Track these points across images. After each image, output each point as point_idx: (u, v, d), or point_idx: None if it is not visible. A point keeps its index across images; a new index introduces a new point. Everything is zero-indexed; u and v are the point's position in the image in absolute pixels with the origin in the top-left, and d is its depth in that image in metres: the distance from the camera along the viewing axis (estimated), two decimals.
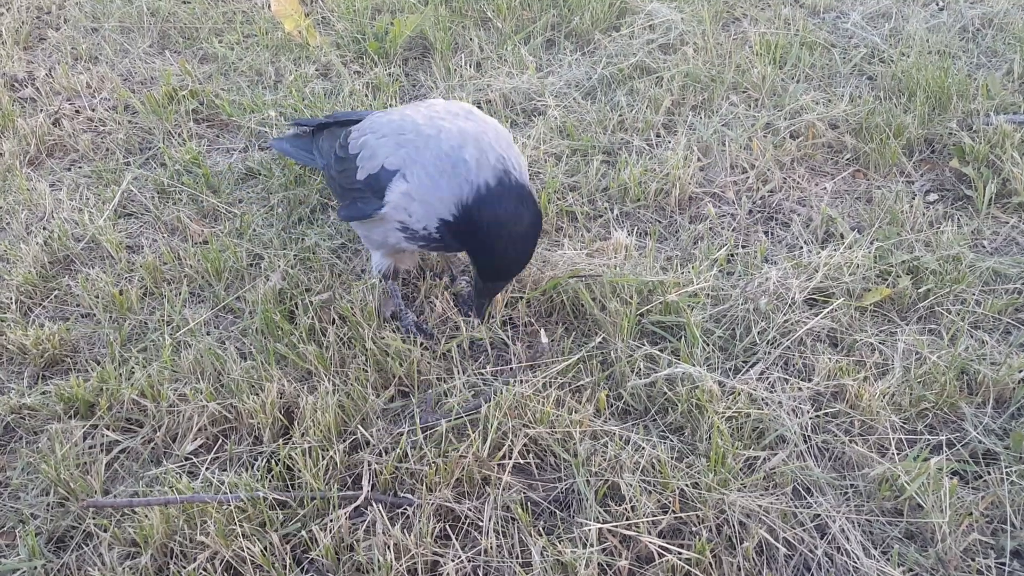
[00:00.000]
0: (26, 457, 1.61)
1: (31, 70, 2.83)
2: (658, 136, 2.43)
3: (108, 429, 1.66)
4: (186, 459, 1.62)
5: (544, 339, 1.82)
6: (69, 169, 2.39)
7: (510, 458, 1.57)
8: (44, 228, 2.14)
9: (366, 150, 1.75)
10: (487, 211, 1.60)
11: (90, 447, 1.64)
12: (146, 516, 1.46)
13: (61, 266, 2.06)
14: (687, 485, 1.51)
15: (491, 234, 1.61)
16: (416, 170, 1.67)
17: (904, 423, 1.66)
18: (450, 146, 1.65)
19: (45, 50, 2.97)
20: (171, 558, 1.45)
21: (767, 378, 1.72)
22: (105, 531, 1.48)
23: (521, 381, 1.71)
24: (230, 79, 2.75)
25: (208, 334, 1.85)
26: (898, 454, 1.60)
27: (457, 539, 1.48)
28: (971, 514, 1.48)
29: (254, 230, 2.13)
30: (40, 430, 1.68)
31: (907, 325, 1.85)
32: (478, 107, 2.56)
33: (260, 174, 2.32)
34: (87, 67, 2.82)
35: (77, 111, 2.61)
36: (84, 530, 1.50)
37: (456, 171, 1.63)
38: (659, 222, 2.16)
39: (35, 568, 1.44)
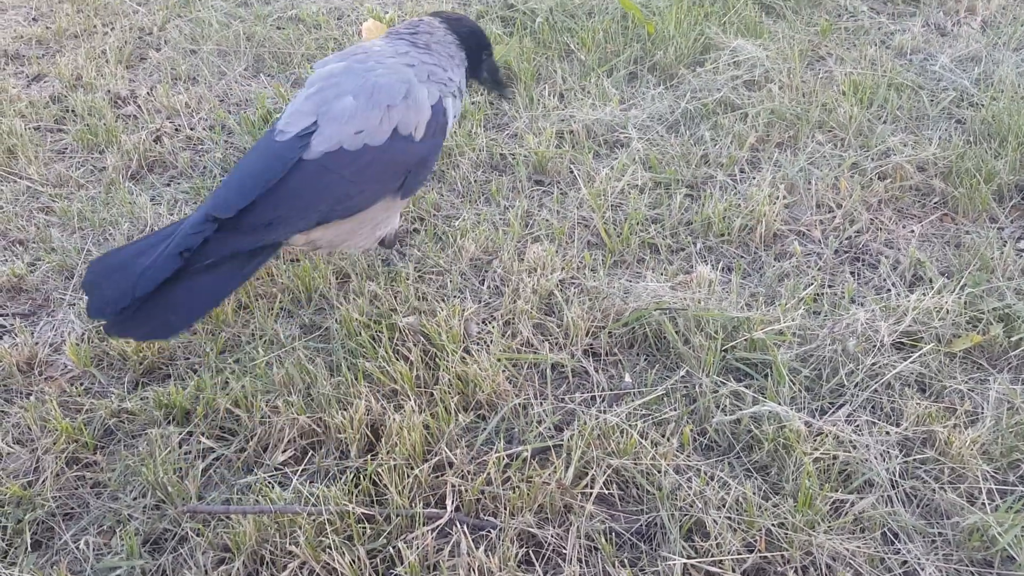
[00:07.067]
0: (125, 459, 1.68)
1: (133, 88, 2.96)
2: (742, 172, 2.44)
3: (203, 436, 1.72)
4: (276, 469, 1.66)
5: (627, 378, 1.83)
6: (168, 185, 2.49)
7: (593, 487, 1.58)
8: None
9: (407, 114, 1.83)
10: (465, 26, 2.06)
11: (186, 453, 1.69)
12: (239, 523, 1.51)
13: None
14: (773, 524, 1.50)
15: (475, 29, 2.08)
16: (451, 75, 1.98)
17: (995, 473, 1.62)
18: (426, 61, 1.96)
19: (146, 69, 3.11)
20: (262, 565, 1.49)
21: (854, 420, 1.70)
22: (199, 536, 1.52)
23: (604, 411, 1.72)
24: None
25: (295, 350, 1.90)
26: (989, 504, 1.56)
27: (540, 565, 1.49)
28: None
29: (341, 252, 2.18)
30: (139, 434, 1.75)
31: (999, 373, 1.82)
32: (561, 136, 2.61)
33: None
34: (186, 87, 2.94)
35: (176, 129, 2.72)
36: (179, 534, 1.55)
37: (441, 46, 2.00)
38: (743, 258, 2.16)
39: (133, 568, 1.49)
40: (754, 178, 2.38)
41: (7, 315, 2.08)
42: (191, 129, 2.71)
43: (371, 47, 1.97)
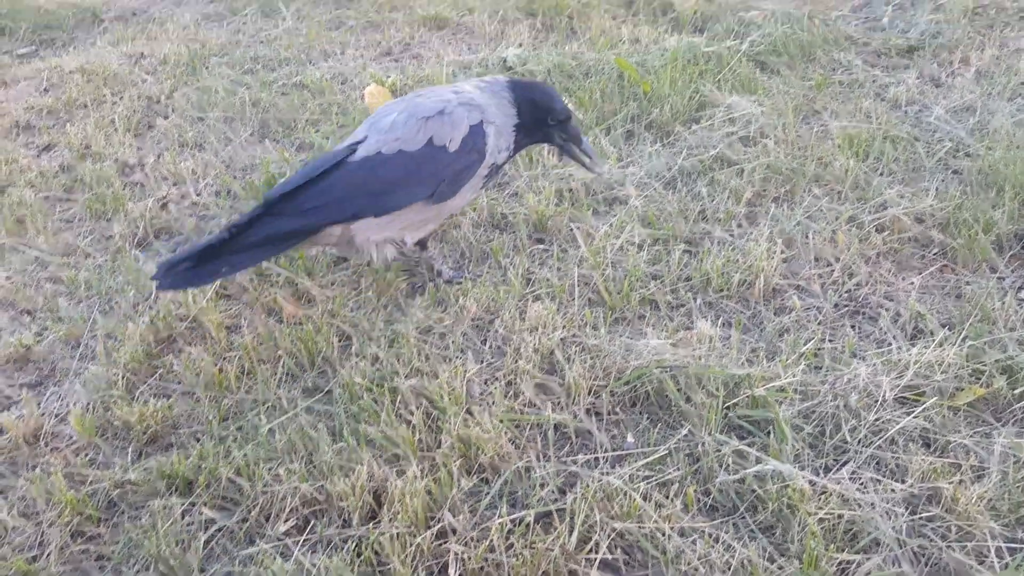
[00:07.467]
0: (128, 532, 1.67)
1: (141, 156, 3.02)
2: (740, 227, 2.46)
3: (206, 507, 1.72)
4: (278, 539, 1.66)
5: (630, 438, 1.83)
6: (174, 251, 2.53)
7: (597, 552, 1.56)
8: (150, 308, 2.26)
9: (443, 127, 2.06)
10: (528, 92, 2.20)
11: (188, 524, 1.69)
12: None
13: (165, 345, 2.16)
14: None
15: (535, 97, 2.19)
16: (492, 113, 2.13)
17: (1004, 529, 1.60)
18: (471, 94, 2.16)
19: (154, 137, 3.18)
20: None
21: (859, 478, 1.69)
22: None
23: (606, 472, 1.71)
24: None
25: (297, 416, 1.91)
26: (998, 562, 1.54)
27: None
28: None
29: (344, 315, 2.20)
30: (142, 505, 1.75)
31: (1003, 427, 1.80)
32: (560, 195, 2.64)
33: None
34: (192, 154, 3.00)
35: (183, 196, 2.77)
36: None
37: (494, 95, 2.17)
38: (743, 313, 2.17)
39: None
40: (751, 233, 2.40)
41: (14, 385, 2.10)
42: (197, 195, 2.75)
43: (435, 87, 2.27)
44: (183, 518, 1.70)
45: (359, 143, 2.09)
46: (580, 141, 2.28)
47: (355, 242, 2.11)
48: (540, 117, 2.21)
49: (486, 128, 2.13)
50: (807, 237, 2.35)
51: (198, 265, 1.92)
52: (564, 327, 2.10)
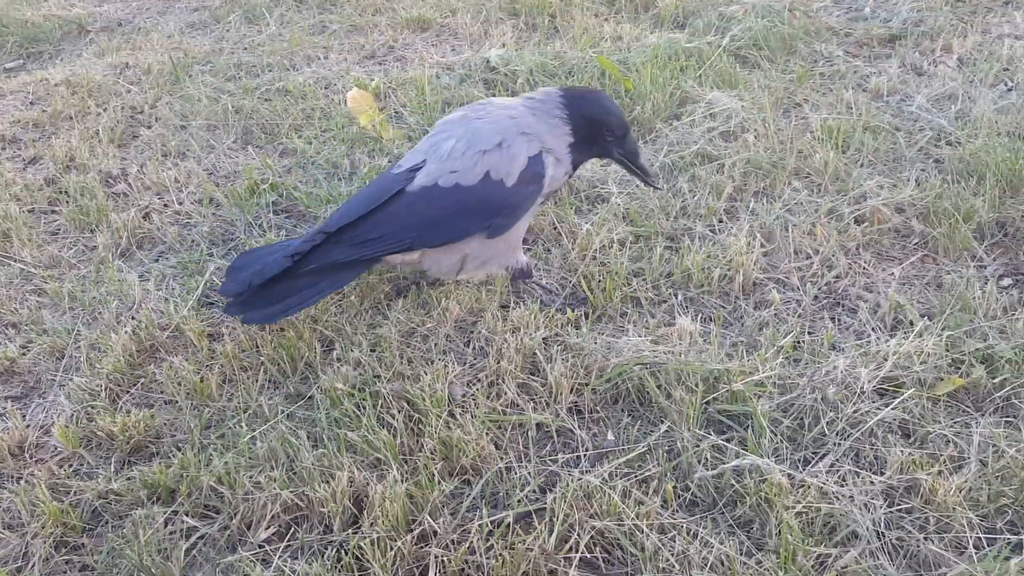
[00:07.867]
0: (111, 542, 1.68)
1: (124, 166, 3.03)
2: (720, 222, 2.46)
3: (187, 515, 1.72)
4: (260, 547, 1.66)
5: (610, 436, 1.83)
6: (157, 260, 2.54)
7: (577, 551, 1.57)
8: (133, 318, 2.26)
9: (500, 161, 2.02)
10: (583, 106, 2.08)
11: (170, 533, 1.70)
12: None
13: (147, 354, 2.16)
14: None
15: (592, 112, 2.07)
16: (545, 139, 2.06)
17: (982, 520, 1.61)
18: (527, 119, 2.08)
19: (138, 147, 3.18)
20: None
21: (837, 471, 1.70)
22: None
23: (586, 471, 1.72)
24: (308, 172, 2.89)
25: (278, 423, 1.91)
26: (976, 553, 1.55)
27: None
28: None
29: (327, 319, 2.20)
30: (125, 515, 1.75)
31: (982, 416, 1.81)
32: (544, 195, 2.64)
33: None
34: (175, 163, 3.00)
35: (166, 205, 2.77)
36: None
37: (545, 115, 2.08)
38: (723, 308, 2.17)
39: None
40: (732, 228, 2.40)
41: None
42: (179, 204, 2.76)
43: (493, 101, 2.19)
44: (165, 527, 1.71)
45: (418, 168, 2.06)
46: (637, 156, 2.17)
47: (422, 268, 2.16)
48: (596, 132, 2.11)
49: (545, 158, 2.06)
50: (787, 231, 2.35)
51: (263, 289, 2.02)
52: (546, 327, 2.11)
